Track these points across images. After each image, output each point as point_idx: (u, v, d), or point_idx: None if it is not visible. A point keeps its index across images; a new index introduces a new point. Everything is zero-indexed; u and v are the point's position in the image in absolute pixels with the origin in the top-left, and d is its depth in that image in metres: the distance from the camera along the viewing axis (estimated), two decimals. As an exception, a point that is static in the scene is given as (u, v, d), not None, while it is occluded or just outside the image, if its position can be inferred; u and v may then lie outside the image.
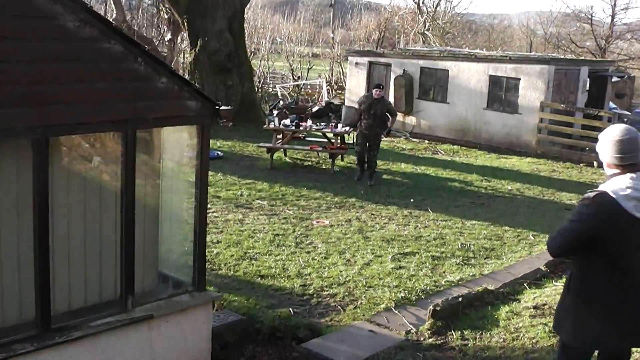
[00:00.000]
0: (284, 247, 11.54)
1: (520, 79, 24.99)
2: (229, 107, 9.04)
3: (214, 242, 11.59)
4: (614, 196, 5.01)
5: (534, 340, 8.09)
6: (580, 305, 5.30)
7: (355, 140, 18.66)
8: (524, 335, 8.25)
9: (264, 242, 11.77)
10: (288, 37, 49.46)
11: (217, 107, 6.74)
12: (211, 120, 6.83)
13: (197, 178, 6.97)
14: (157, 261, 7.05)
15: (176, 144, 7.10)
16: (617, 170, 5.14)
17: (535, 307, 9.01)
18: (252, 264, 10.65)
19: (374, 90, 17.45)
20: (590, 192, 5.13)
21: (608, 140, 5.16)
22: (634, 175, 5.06)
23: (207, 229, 12.21)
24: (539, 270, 10.75)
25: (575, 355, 5.47)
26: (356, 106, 18.63)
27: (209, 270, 10.31)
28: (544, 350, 7.82)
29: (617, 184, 5.06)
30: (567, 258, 6.35)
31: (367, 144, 17.35)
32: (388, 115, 17.62)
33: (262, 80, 38.63)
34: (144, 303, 6.68)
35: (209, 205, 13.86)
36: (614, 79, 31.06)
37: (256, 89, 34.24)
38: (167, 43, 35.59)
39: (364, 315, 8.99)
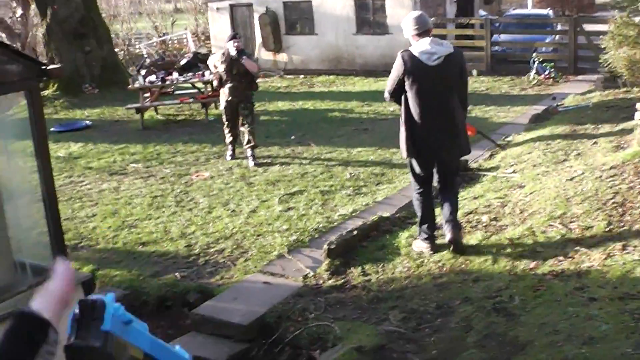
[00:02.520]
0: (164, 209, 10.72)
1: (385, -1, 24.38)
2: (57, 66, 8.07)
3: (89, 216, 10.70)
4: (413, 52, 7.64)
5: (439, 264, 7.53)
6: (407, 130, 7.76)
7: (222, 114, 13.64)
8: (428, 260, 7.67)
9: (142, 207, 10.92)
10: (146, -5, 47.79)
11: (43, 67, 5.85)
12: (39, 82, 5.94)
13: (36, 148, 6.06)
14: (9, 250, 6.17)
15: (4, 115, 6.19)
16: (417, 39, 7.70)
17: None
18: (132, 233, 9.81)
19: (229, 44, 13.09)
20: (401, 52, 7.75)
21: (408, 21, 7.72)
22: (426, 38, 7.66)
23: (78, 203, 11.53)
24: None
25: (416, 170, 7.98)
26: (212, 69, 13.89)
27: (87, 247, 9.52)
28: (452, 272, 7.27)
29: (415, 46, 7.67)
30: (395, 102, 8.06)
31: (238, 114, 13.27)
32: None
33: (127, 43, 37.18)
34: (1, 300, 5.83)
35: (80, 179, 13.04)
36: (479, -16, 30.85)
37: (122, 52, 32.90)
38: (19, 19, 33.83)
39: (255, 267, 8.28)
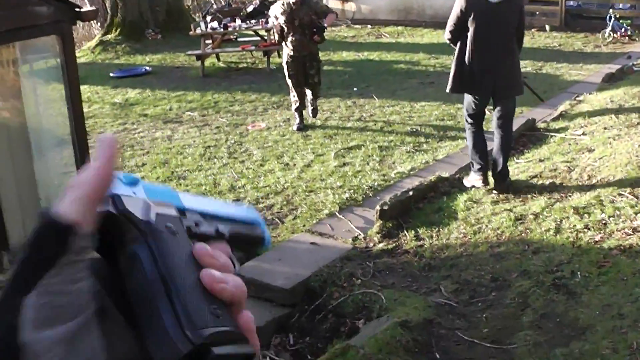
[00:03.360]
0: (215, 160, 10.35)
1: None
2: (93, 9, 7.64)
3: (138, 166, 10.40)
4: None
5: (498, 231, 7.02)
6: (457, 66, 7.93)
7: (285, 71, 11.82)
8: (486, 226, 7.16)
9: (193, 157, 10.58)
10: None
11: (76, 9, 5.48)
12: (71, 25, 5.57)
13: (68, 94, 5.71)
14: (37, 196, 5.86)
15: (37, 60, 5.85)
16: None
17: (497, 191, 7.96)
18: (180, 184, 9.47)
19: None
20: None
21: None
22: None
23: (129, 151, 11.25)
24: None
25: (467, 99, 8.20)
26: (272, 20, 12.33)
27: (132, 198, 9.16)
28: (511, 242, 6.77)
29: None
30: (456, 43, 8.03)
31: (304, 70, 11.69)
32: (319, 20, 11.64)
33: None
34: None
35: (134, 126, 12.75)
36: None
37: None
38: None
39: (304, 225, 7.87)
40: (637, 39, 19.70)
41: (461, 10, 7.73)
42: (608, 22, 19.94)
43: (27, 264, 0.76)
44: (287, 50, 11.65)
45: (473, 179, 8.18)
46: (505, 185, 8.00)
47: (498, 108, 8.07)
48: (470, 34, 7.76)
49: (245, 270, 6.91)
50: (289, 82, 11.76)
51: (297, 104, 11.73)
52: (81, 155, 5.77)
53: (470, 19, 7.70)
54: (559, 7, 22.26)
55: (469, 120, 8.20)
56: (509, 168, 8.19)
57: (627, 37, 19.78)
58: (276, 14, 11.66)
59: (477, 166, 8.12)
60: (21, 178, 5.57)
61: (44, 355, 0.66)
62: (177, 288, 0.75)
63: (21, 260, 0.76)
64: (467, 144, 8.56)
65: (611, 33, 19.78)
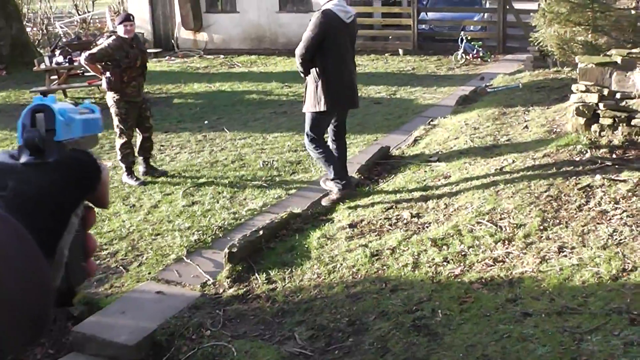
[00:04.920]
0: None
1: (308, -25, 23.44)
2: None
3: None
4: (332, 8, 8.16)
5: (354, 270, 6.62)
6: (324, 84, 8.21)
7: (120, 123, 10.06)
8: (341, 264, 6.76)
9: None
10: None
11: None
12: None
13: None
14: None
15: None
16: None
17: (351, 226, 7.58)
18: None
19: (121, 27, 9.98)
20: (318, 11, 8.23)
21: None
22: None
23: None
24: (352, 178, 9.28)
25: (324, 119, 8.50)
26: (99, 56, 9.95)
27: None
28: (368, 280, 6.38)
29: (330, 4, 8.21)
30: (306, 65, 8.33)
31: (139, 116, 10.23)
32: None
33: (45, 22, 35.63)
34: None
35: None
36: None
37: (40, 31, 31.39)
38: None
39: (150, 272, 7.30)
40: (488, 60, 19.99)
41: (320, 31, 8.11)
42: (460, 44, 20.12)
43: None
44: (123, 96, 10.03)
45: (340, 192, 8.56)
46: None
47: (339, 120, 8.76)
48: (331, 53, 8.24)
49: (85, 327, 6.37)
50: (124, 135, 10.15)
51: (131, 155, 10.31)
52: None
53: (330, 38, 8.17)
54: (411, 31, 22.39)
55: (319, 141, 8.60)
56: None
57: (479, 59, 20.04)
58: (103, 52, 9.97)
59: (340, 176, 8.58)
60: None
61: None
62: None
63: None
64: (321, 164, 8.96)
65: (463, 55, 19.98)
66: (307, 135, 8.62)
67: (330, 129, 8.81)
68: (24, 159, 0.98)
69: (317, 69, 8.29)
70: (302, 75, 8.60)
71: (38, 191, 0.93)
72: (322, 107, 8.30)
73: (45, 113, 1.01)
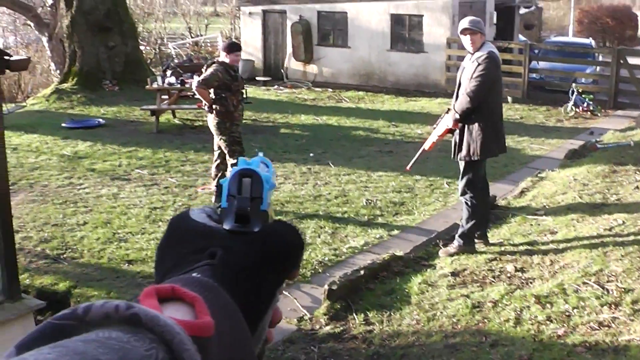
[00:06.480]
0: (160, 223, 9.81)
1: (423, 15, 23.40)
2: (24, 57, 7.09)
3: (79, 224, 9.86)
4: (494, 50, 7.93)
5: (454, 319, 6.54)
6: (491, 129, 7.91)
7: (231, 145, 10.26)
8: (441, 313, 6.69)
9: (137, 218, 10.04)
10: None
11: (6, 57, 4.99)
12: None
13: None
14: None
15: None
16: (484, 39, 7.95)
17: (453, 274, 7.50)
18: (120, 247, 8.94)
19: (231, 56, 10.27)
20: (483, 54, 7.80)
21: (480, 22, 8.06)
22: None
23: (72, 207, 10.65)
24: (455, 225, 9.13)
25: (481, 167, 8.22)
26: (212, 81, 10.24)
27: (69, 259, 8.66)
28: (467, 332, 6.29)
29: (490, 45, 7.98)
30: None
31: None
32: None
33: (159, 42, 36.49)
34: None
35: (80, 181, 12.17)
36: (522, 10, 29.88)
37: (153, 51, 32.09)
38: (49, 9, 33.22)
39: (248, 302, 7.35)
40: (599, 114, 19.58)
41: (497, 71, 7.90)
42: (570, 96, 19.80)
43: None
44: (231, 121, 10.31)
45: (459, 248, 8.22)
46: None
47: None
48: (494, 96, 8.00)
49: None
50: (234, 156, 10.12)
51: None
52: (4, 217, 5.24)
53: (498, 82, 8.00)
54: (521, 79, 22.17)
55: (480, 185, 8.29)
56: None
57: (589, 112, 19.65)
58: (212, 78, 10.26)
59: (478, 231, 8.38)
60: None
61: None
62: None
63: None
64: (468, 215, 8.22)
65: (573, 107, 19.64)
66: (470, 183, 8.13)
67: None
68: (228, 225, 0.96)
69: (481, 114, 7.83)
70: (456, 120, 7.95)
71: (245, 264, 0.92)
72: (478, 156, 7.90)
73: (252, 179, 0.99)
